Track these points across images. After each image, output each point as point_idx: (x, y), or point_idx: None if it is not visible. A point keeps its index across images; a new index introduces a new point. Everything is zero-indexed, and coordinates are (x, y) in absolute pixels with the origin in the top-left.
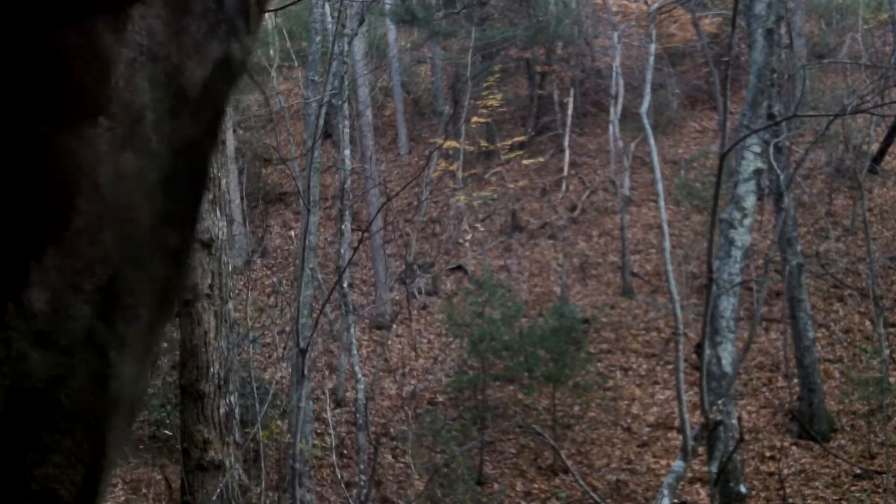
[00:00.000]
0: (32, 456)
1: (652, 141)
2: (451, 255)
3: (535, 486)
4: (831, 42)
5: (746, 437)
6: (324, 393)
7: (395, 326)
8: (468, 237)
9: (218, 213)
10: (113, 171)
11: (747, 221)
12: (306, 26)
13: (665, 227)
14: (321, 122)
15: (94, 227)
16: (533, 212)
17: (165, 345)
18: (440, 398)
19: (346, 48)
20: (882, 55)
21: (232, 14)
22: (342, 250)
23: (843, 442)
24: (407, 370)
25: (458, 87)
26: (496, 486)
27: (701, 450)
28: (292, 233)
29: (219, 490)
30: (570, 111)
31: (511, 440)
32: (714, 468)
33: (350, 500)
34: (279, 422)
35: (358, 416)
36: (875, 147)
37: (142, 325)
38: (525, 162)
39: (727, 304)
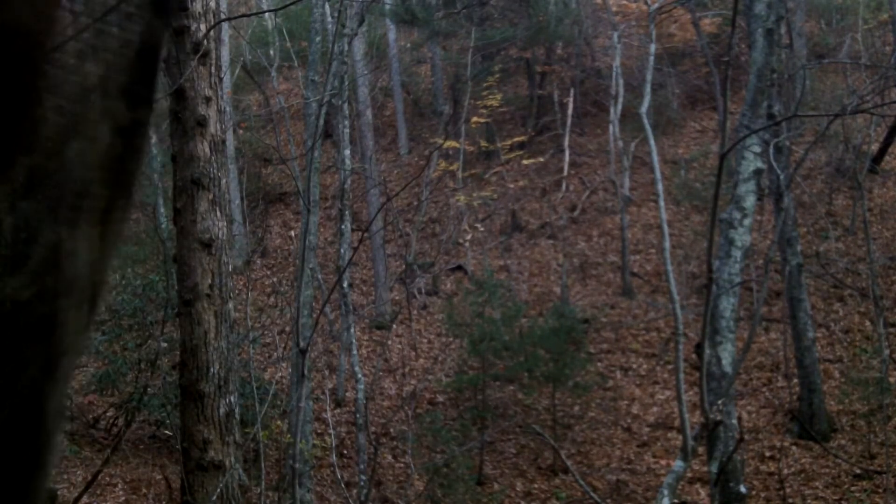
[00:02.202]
0: None
1: (652, 141)
2: (451, 255)
3: (535, 486)
4: (831, 42)
5: (746, 437)
6: (324, 393)
7: (395, 326)
8: (468, 237)
9: (218, 213)
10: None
11: (747, 221)
12: (306, 26)
13: (665, 227)
14: (321, 122)
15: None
16: (533, 212)
17: (165, 345)
18: (440, 398)
19: (346, 48)
20: (882, 55)
21: None
22: (342, 250)
23: (843, 442)
24: (407, 370)
25: (458, 87)
26: (496, 486)
27: (701, 450)
28: (292, 233)
29: (219, 490)
30: (570, 111)
31: (511, 440)
32: (714, 468)
33: (350, 500)
34: (279, 422)
35: (358, 416)
36: (875, 147)
37: (96, 205)
38: (525, 162)
39: (727, 304)
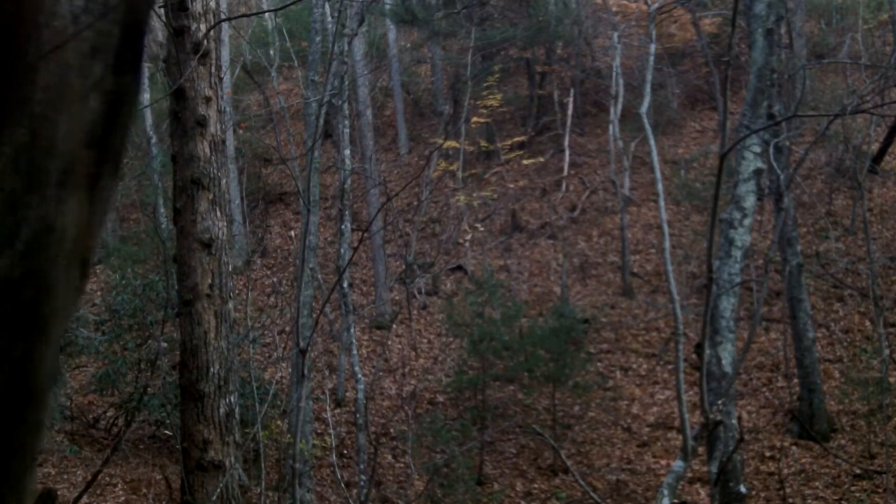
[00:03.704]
0: None
1: (652, 141)
2: (451, 255)
3: (535, 486)
4: (831, 42)
5: (746, 437)
6: (324, 393)
7: (395, 326)
8: (468, 237)
9: (218, 213)
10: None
11: (747, 221)
12: (306, 26)
13: (665, 227)
14: (321, 122)
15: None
16: (533, 212)
17: (165, 345)
18: (440, 398)
19: (346, 48)
20: (882, 55)
21: None
22: (342, 250)
23: (843, 442)
24: (407, 370)
25: (458, 87)
26: (496, 486)
27: (701, 450)
28: (292, 233)
29: (219, 490)
30: (570, 111)
31: (511, 440)
32: (714, 468)
33: (350, 500)
34: (279, 422)
35: (358, 416)
36: (875, 147)
37: (84, 171)
38: (525, 162)
39: (727, 304)
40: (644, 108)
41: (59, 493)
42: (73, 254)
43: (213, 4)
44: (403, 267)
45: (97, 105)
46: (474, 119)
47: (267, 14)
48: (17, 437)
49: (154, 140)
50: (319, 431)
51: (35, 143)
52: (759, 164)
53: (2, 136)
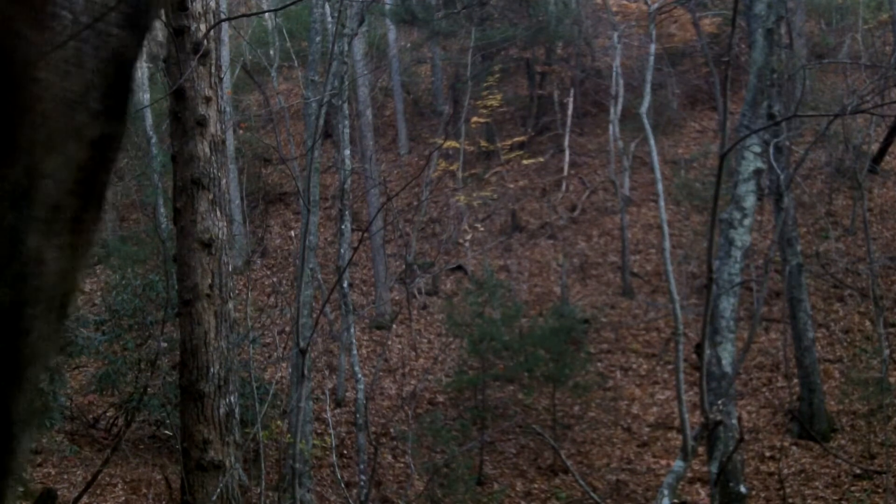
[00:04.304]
0: None
1: (652, 141)
2: (451, 255)
3: (535, 486)
4: (831, 42)
5: (746, 437)
6: (324, 393)
7: (395, 326)
8: (468, 237)
9: (218, 213)
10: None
11: (747, 221)
12: (306, 26)
13: (665, 227)
14: (321, 122)
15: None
16: (533, 212)
17: (165, 345)
18: (440, 398)
19: (346, 48)
20: (882, 55)
21: None
22: (342, 250)
23: (843, 442)
24: (407, 370)
25: (458, 87)
26: (496, 486)
27: (701, 450)
28: (292, 233)
29: (219, 490)
30: (570, 111)
31: (511, 440)
32: (714, 468)
33: (350, 500)
34: (279, 422)
35: (358, 416)
36: (875, 147)
37: (67, 216)
38: (525, 162)
39: (727, 304)
40: (644, 108)
41: (59, 493)
42: (53, 294)
43: (213, 4)
44: (403, 267)
45: (81, 150)
46: (474, 119)
47: (267, 14)
48: None
49: (154, 140)
50: (319, 431)
51: (25, 181)
52: (759, 164)
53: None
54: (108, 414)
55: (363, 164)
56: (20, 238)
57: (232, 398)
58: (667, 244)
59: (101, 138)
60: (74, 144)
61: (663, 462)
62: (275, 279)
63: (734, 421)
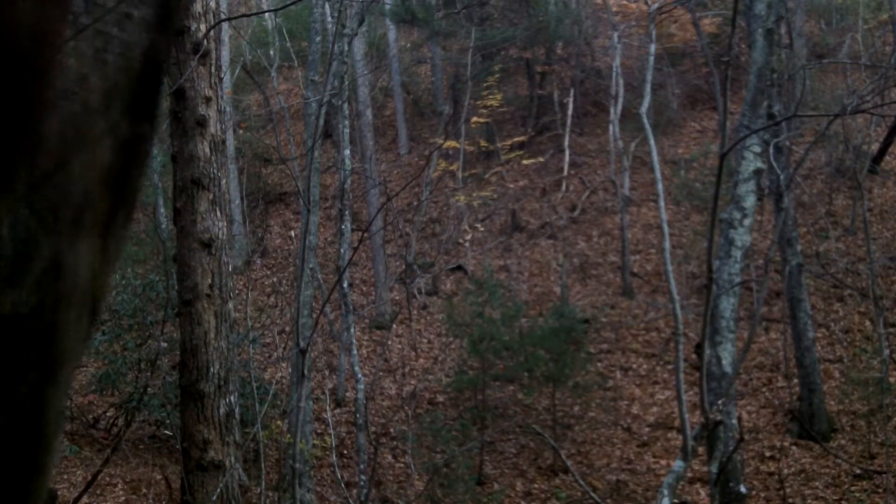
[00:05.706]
0: None
1: (652, 141)
2: (451, 255)
3: (535, 486)
4: (831, 42)
5: (746, 437)
6: (324, 393)
7: (395, 326)
8: (468, 237)
9: (218, 213)
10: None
11: (747, 221)
12: (306, 26)
13: (665, 227)
14: (321, 122)
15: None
16: (533, 212)
17: (165, 345)
18: (440, 398)
19: (346, 48)
20: (882, 55)
21: None
22: (342, 250)
23: (843, 442)
24: (407, 370)
25: (458, 87)
26: (496, 486)
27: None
28: (292, 233)
29: (219, 490)
30: (570, 111)
31: (511, 440)
32: (714, 468)
33: (350, 500)
34: (279, 422)
35: (358, 416)
36: (875, 147)
37: (98, 215)
38: (525, 162)
39: (727, 304)
40: (644, 108)
41: (59, 493)
42: (83, 297)
43: (213, 4)
44: (403, 267)
45: (112, 150)
46: (474, 119)
47: (267, 14)
48: (21, 483)
49: (154, 140)
50: (319, 431)
51: (50, 181)
52: (759, 164)
53: (17, 172)
54: (108, 414)
55: (363, 164)
56: (39, 241)
57: (232, 398)
58: (667, 244)
59: (132, 138)
60: (105, 143)
61: (663, 462)
62: (275, 279)
63: (734, 421)
